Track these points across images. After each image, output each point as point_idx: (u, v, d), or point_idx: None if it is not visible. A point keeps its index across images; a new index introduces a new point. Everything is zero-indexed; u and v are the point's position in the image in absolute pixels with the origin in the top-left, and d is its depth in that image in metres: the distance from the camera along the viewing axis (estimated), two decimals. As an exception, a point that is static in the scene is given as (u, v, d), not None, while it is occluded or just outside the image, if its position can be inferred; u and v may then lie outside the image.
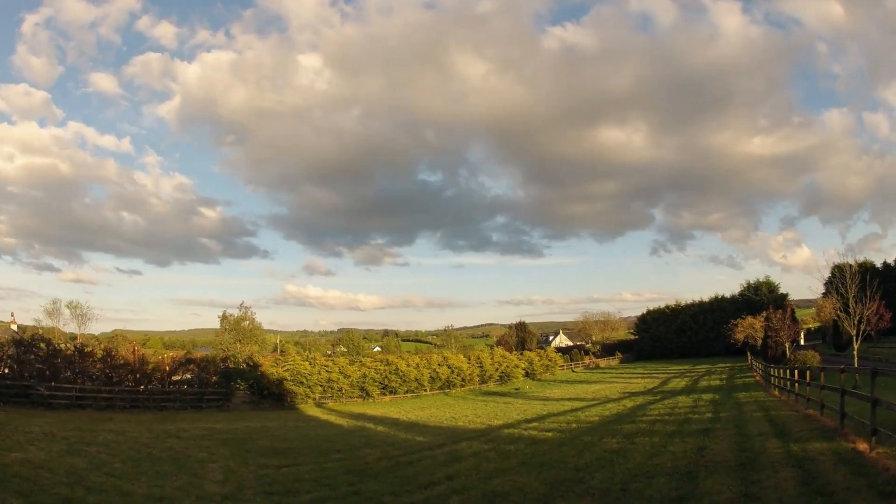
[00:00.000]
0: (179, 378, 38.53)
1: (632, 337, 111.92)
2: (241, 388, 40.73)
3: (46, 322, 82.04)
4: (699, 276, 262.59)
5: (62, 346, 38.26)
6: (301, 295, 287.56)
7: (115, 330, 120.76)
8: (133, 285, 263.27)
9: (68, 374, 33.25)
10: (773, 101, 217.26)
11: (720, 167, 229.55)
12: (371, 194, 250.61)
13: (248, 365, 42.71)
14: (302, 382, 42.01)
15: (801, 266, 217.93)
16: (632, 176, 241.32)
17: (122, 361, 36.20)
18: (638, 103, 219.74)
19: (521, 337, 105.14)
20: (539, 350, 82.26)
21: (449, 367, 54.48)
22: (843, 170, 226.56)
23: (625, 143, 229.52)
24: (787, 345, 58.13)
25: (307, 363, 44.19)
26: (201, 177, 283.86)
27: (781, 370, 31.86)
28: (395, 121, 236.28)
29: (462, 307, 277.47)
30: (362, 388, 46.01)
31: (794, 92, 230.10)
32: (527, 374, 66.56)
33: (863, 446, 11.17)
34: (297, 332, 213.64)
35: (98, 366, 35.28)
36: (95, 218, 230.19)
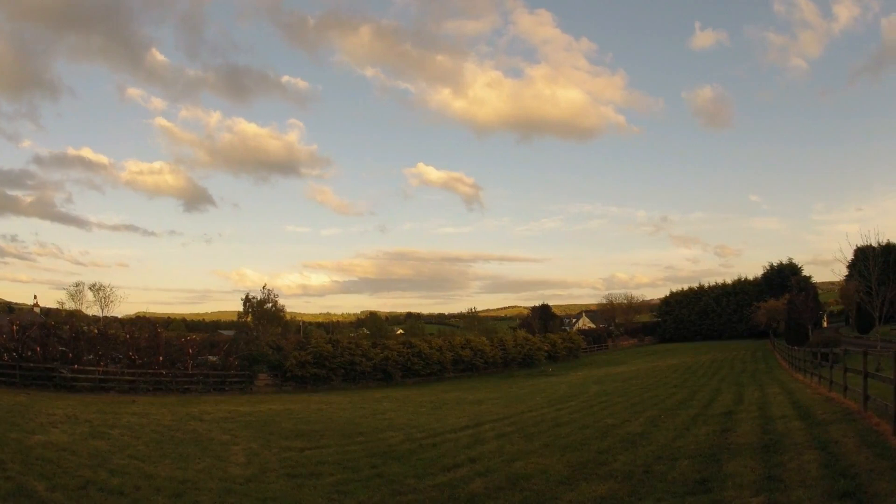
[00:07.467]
0: (203, 360, 38.87)
1: (655, 319, 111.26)
2: (264, 371, 41.05)
3: (69, 304, 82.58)
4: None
5: (85, 328, 38.61)
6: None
7: (139, 312, 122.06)
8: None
9: (91, 356, 33.65)
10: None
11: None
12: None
13: (270, 348, 43.01)
14: (325, 365, 42.33)
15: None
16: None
17: (145, 344, 36.51)
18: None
19: (544, 319, 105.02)
20: (562, 332, 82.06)
21: (471, 350, 54.65)
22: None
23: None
24: (809, 327, 57.53)
25: (330, 346, 44.49)
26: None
27: (804, 353, 31.52)
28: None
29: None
30: (384, 371, 46.36)
31: None
32: (550, 356, 66.39)
33: (886, 429, 11.02)
34: (321, 314, 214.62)
35: (121, 348, 35.60)
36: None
